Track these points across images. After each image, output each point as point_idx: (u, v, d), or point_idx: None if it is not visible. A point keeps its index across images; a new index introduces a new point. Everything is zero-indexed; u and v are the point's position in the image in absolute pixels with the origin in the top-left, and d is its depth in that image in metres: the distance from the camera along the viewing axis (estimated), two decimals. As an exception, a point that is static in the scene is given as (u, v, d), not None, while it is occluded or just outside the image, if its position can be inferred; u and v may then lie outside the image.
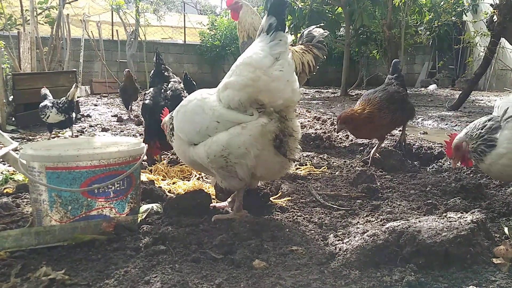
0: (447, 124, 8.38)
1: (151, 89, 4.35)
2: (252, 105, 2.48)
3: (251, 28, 5.34)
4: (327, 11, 16.06)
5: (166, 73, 4.38)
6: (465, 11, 17.96)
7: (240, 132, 2.46)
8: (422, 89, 18.29)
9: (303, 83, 5.81)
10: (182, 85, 4.35)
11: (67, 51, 13.69)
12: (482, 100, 12.74)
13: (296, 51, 5.50)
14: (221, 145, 2.49)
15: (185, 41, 23.64)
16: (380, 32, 15.82)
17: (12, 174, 3.76)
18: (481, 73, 10.27)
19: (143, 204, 2.89)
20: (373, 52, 18.64)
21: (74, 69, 10.45)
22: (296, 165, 4.27)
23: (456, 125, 8.15)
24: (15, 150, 2.94)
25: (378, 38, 17.27)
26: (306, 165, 4.31)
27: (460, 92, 11.55)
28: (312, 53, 5.60)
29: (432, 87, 18.38)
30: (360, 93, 14.20)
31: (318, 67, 5.71)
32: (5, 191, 3.31)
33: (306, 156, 4.75)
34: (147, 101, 4.17)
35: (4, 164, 4.05)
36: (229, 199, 2.98)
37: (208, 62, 22.49)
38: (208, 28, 23.58)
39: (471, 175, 3.78)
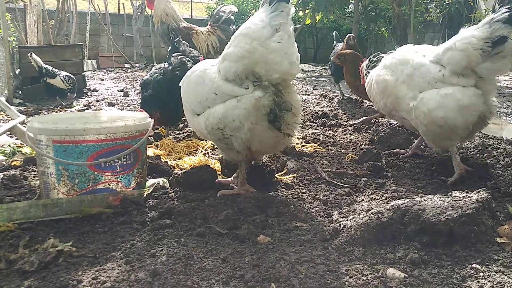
0: (454, 103, 8.31)
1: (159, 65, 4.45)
2: (248, 77, 2.48)
3: (163, 14, 5.95)
4: (336, -14, 15.78)
5: (181, 48, 4.39)
6: (477, -11, 17.62)
7: (235, 105, 2.47)
8: (431, 67, 18.07)
9: None
10: (186, 58, 4.28)
11: (73, 25, 13.63)
12: (491, 79, 12.60)
13: (202, 32, 5.99)
14: (217, 117, 2.51)
15: (191, 16, 23.39)
16: (390, 9, 15.53)
17: (20, 147, 3.78)
18: (491, 52, 10.13)
19: (149, 178, 2.91)
20: (382, 29, 18.37)
21: (80, 43, 10.41)
22: (301, 142, 4.27)
23: (464, 105, 8.08)
24: (22, 123, 2.95)
25: (387, 15, 16.97)
26: (311, 142, 4.31)
27: (469, 71, 11.42)
28: (216, 35, 6.12)
29: (441, 66, 18.15)
30: (368, 71, 14.05)
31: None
32: (13, 163, 3.34)
33: (312, 134, 4.74)
34: (145, 77, 4.29)
35: (11, 137, 4.07)
36: (234, 175, 2.99)
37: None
38: (215, 3, 23.30)
39: (478, 154, 3.77)
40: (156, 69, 4.30)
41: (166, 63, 4.25)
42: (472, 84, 2.97)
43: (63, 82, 6.79)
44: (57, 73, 6.82)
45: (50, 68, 6.84)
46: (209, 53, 6.05)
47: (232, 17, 6.29)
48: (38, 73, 6.78)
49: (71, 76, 7.07)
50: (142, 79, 4.32)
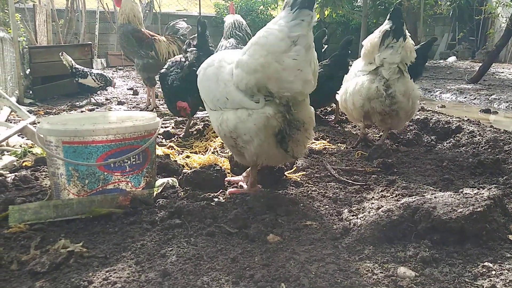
0: (465, 97, 8.24)
1: (175, 57, 4.67)
2: (260, 91, 2.36)
3: (131, 14, 6.23)
4: (344, -19, 15.67)
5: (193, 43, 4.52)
6: (488, -20, 17.40)
7: (246, 119, 2.39)
8: (441, 61, 17.94)
9: None
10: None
11: (83, 24, 13.70)
12: (502, 72, 12.46)
13: (163, 41, 6.43)
14: (230, 127, 2.46)
15: (200, 13, 23.40)
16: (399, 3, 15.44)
17: (31, 147, 3.81)
18: (502, 44, 10.04)
19: (159, 178, 2.92)
20: (391, 23, 18.22)
21: (90, 42, 10.45)
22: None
23: (475, 98, 8.01)
24: (33, 123, 2.98)
25: (396, 9, 16.85)
26: (321, 139, 4.30)
27: (480, 64, 11.31)
28: (177, 44, 6.52)
29: (452, 59, 18.01)
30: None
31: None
32: (24, 164, 3.36)
33: (321, 130, 4.73)
34: (162, 70, 4.43)
35: (22, 138, 4.10)
36: (244, 174, 2.98)
37: (223, 34, 22.21)
38: (223, -1, 23.28)
39: (489, 150, 3.73)
40: (172, 62, 4.44)
41: (182, 56, 4.41)
42: (373, 69, 3.77)
43: (95, 81, 7.17)
44: (88, 73, 7.16)
45: (80, 68, 7.15)
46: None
47: (186, 33, 6.79)
48: (70, 72, 7.06)
49: (103, 74, 7.44)
50: (160, 73, 4.46)
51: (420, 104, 6.86)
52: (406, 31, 3.63)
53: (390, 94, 3.66)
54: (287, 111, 2.38)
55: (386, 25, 3.65)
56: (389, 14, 3.67)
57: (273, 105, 2.37)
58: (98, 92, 7.65)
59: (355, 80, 3.89)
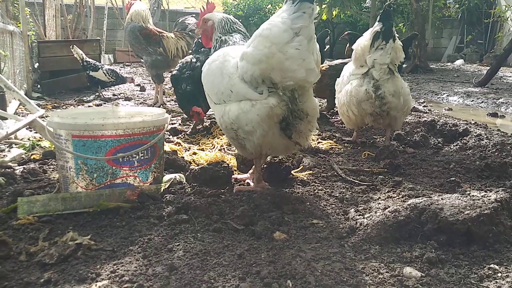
0: (473, 100, 8.21)
1: (186, 57, 4.65)
2: (265, 82, 2.41)
3: (134, 13, 6.46)
4: (353, -19, 15.64)
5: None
6: (497, -16, 17.32)
7: (249, 110, 2.42)
8: (449, 64, 17.88)
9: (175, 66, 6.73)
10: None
11: (91, 19, 13.73)
12: (510, 76, 12.39)
13: (172, 37, 6.51)
14: (231, 118, 2.49)
15: (208, 11, 23.39)
16: (408, 5, 15.39)
17: (39, 140, 3.84)
18: (510, 48, 9.98)
19: (166, 174, 2.93)
20: (400, 25, 18.20)
21: (98, 38, 10.49)
22: (318, 138, 4.27)
23: (482, 102, 7.98)
24: (41, 117, 3.00)
25: (405, 10, 16.80)
26: (328, 139, 4.30)
27: (488, 67, 11.26)
28: (185, 40, 6.60)
29: (459, 62, 17.95)
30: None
31: (190, 51, 6.54)
32: (32, 157, 3.39)
33: (328, 130, 4.73)
34: (174, 72, 4.45)
35: (30, 131, 4.13)
36: (250, 171, 3.00)
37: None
38: (232, -3, 23.28)
39: (496, 153, 3.72)
40: (183, 64, 4.43)
41: (193, 57, 4.41)
42: (365, 71, 3.81)
43: (105, 75, 7.20)
44: (100, 67, 7.24)
45: (92, 61, 7.23)
46: (178, 56, 6.53)
47: (195, 28, 6.88)
48: (81, 65, 7.16)
49: (114, 69, 7.50)
50: (172, 75, 4.47)
51: (427, 106, 6.86)
52: (395, 32, 3.74)
53: (380, 95, 3.73)
54: (291, 101, 2.43)
55: (376, 27, 3.72)
56: (379, 16, 3.77)
57: (276, 95, 2.42)
58: (106, 87, 7.64)
59: (347, 88, 3.95)
